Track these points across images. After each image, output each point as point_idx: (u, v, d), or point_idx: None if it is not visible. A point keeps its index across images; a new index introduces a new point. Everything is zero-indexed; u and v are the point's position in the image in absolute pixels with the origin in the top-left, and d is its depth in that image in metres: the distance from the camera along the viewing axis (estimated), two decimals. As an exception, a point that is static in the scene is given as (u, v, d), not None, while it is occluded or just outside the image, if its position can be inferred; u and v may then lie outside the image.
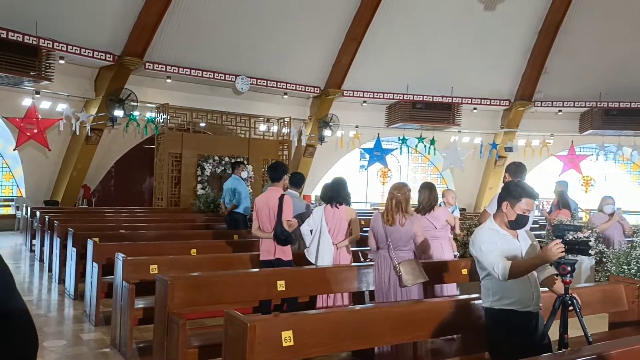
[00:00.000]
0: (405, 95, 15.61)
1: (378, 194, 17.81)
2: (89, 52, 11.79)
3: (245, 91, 13.96)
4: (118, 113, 12.32)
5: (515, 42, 15.11)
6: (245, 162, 13.14)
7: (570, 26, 14.68)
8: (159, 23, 12.16)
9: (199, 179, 12.61)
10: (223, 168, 12.72)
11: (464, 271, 5.40)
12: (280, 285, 4.58)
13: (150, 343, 4.48)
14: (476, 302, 3.84)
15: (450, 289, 5.58)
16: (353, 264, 5.25)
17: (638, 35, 14.45)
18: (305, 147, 15.47)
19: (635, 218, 14.63)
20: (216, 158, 12.83)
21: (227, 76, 13.68)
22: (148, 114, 13.28)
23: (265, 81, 14.19)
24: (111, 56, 12.12)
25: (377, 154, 16.50)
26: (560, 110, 15.95)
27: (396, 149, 16.93)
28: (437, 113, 15.82)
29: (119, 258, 4.84)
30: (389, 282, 4.45)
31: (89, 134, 12.39)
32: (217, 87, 14.02)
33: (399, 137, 16.65)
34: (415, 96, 15.63)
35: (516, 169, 4.79)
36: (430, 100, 15.70)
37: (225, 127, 14.03)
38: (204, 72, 13.39)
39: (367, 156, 16.66)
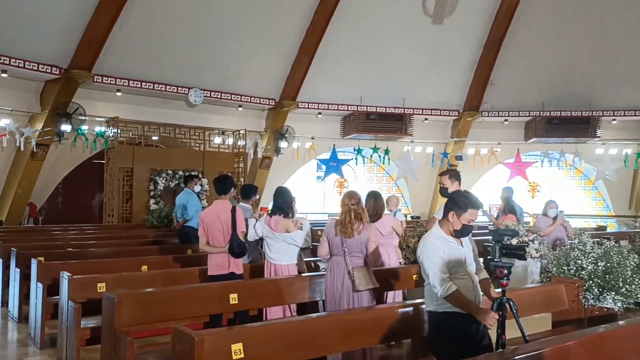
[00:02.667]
0: (359, 107, 15.85)
1: (335, 204, 17.92)
2: (33, 65, 11.43)
3: (198, 104, 13.84)
4: (65, 128, 11.97)
5: (462, 55, 15.63)
6: (200, 176, 13.01)
7: (513, 40, 15.32)
8: (108, 35, 11.92)
9: (152, 193, 12.36)
10: (177, 182, 12.53)
11: (415, 277, 5.52)
12: (233, 298, 4.56)
13: (98, 363, 4.36)
14: (423, 306, 3.94)
15: (397, 296, 5.69)
16: (305, 274, 5.27)
17: (576, 48, 15.22)
18: (262, 159, 15.44)
19: (578, 221, 15.31)
20: (170, 172, 12.63)
21: (179, 89, 13.53)
22: (97, 128, 12.95)
23: (219, 93, 14.11)
24: (57, 69, 11.78)
25: (333, 164, 16.64)
26: (506, 120, 16.57)
27: (352, 159, 17.12)
28: (390, 124, 16.14)
29: (64, 277, 4.70)
30: (342, 288, 4.50)
31: (35, 150, 11.96)
32: (170, 99, 13.84)
33: (354, 148, 16.87)
34: (368, 107, 15.90)
35: (456, 174, 4.96)
36: (384, 111, 16.01)
37: (179, 140, 13.84)
38: (156, 85, 13.20)
39: (324, 167, 16.77)
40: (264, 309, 5.08)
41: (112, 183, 12.37)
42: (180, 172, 12.44)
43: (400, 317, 3.97)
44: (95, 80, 12.36)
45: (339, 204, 4.70)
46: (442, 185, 5.08)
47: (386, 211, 6.03)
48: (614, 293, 4.95)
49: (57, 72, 11.80)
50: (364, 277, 4.48)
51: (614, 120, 16.21)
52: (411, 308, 4.10)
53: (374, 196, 5.70)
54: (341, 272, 4.53)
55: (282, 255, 5.12)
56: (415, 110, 16.21)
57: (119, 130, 12.54)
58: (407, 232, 6.59)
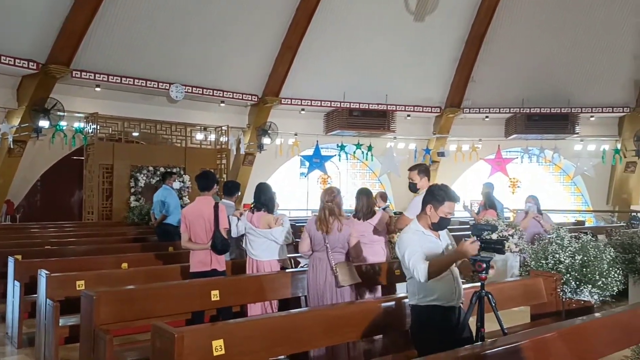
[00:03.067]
0: (342, 103, 15.86)
1: (319, 200, 17.90)
2: (9, 60, 11.19)
3: (180, 99, 13.71)
4: (43, 124, 11.76)
5: (444, 51, 15.74)
6: (182, 172, 12.92)
7: (494, 37, 15.46)
8: (87, 29, 11.72)
9: (133, 190, 12.23)
10: (158, 179, 12.40)
11: (397, 272, 5.56)
12: (215, 295, 4.55)
13: (77, 362, 4.31)
14: (405, 300, 3.97)
15: (380, 290, 5.72)
16: (288, 270, 5.27)
17: (556, 46, 15.43)
18: (244, 155, 15.36)
19: (557, 216, 15.55)
20: (151, 168, 12.50)
21: (160, 84, 13.38)
22: (76, 124, 12.75)
23: (201, 89, 14.00)
24: (35, 64, 11.56)
25: (316, 161, 16.64)
26: (487, 117, 16.74)
27: (335, 155, 17.15)
28: (373, 120, 16.19)
29: (42, 275, 4.63)
30: (325, 284, 4.53)
31: (12, 146, 11.73)
32: (151, 95, 13.68)
33: (337, 144, 16.89)
34: (351, 104, 15.92)
35: (425, 169, 5.01)
36: (367, 107, 16.05)
37: (160, 137, 13.70)
38: (136, 80, 13.04)
39: (307, 163, 16.76)
40: (246, 306, 5.08)
41: (91, 180, 12.20)
42: (162, 169, 12.32)
43: (382, 312, 3.99)
44: (73, 75, 12.16)
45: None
46: (411, 181, 5.12)
47: (375, 207, 6.09)
48: (590, 286, 5.05)
49: (35, 67, 11.58)
50: (347, 273, 4.52)
51: (592, 117, 16.48)
52: (393, 302, 4.13)
53: (365, 194, 5.78)
54: (323, 268, 4.55)
55: (264, 251, 5.13)
56: (397, 106, 16.28)
57: (98, 126, 12.36)
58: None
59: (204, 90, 14.06)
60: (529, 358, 2.95)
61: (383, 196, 7.14)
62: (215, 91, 14.23)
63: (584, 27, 15.09)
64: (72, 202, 14.06)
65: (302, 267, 5.90)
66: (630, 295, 6.61)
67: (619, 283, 5.21)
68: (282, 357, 4.77)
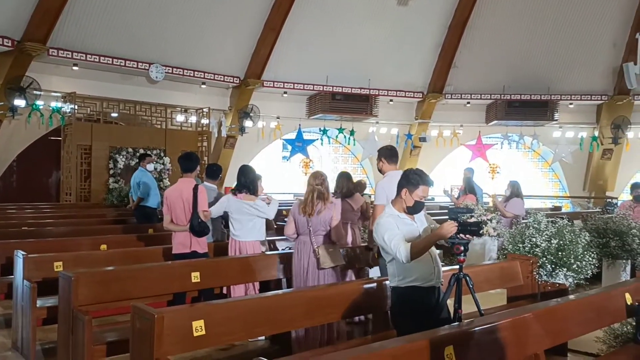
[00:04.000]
0: (325, 87, 15.78)
1: (301, 184, 17.94)
2: (-17, 37, 10.89)
3: (160, 80, 13.48)
4: (19, 103, 11.47)
5: (427, 37, 15.73)
6: (162, 154, 12.78)
7: (477, 23, 15.49)
8: (64, 6, 11.39)
9: (112, 172, 12.06)
10: (138, 160, 12.26)
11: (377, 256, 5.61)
12: (195, 276, 4.54)
13: (55, 344, 4.27)
14: (385, 282, 4.03)
15: (350, 274, 5.78)
16: (269, 252, 5.29)
17: (537, 33, 15.52)
18: (226, 138, 15.23)
19: (535, 202, 15.82)
20: (130, 150, 12.33)
21: (140, 64, 13.13)
22: (53, 104, 12.47)
23: (181, 70, 13.78)
24: (10, 41, 11.23)
25: (298, 144, 16.59)
26: (468, 103, 16.84)
27: (317, 139, 17.11)
28: (356, 104, 16.15)
29: (19, 256, 4.57)
30: (308, 266, 4.58)
31: (-14, 126, 11.47)
32: (130, 75, 13.43)
33: (319, 128, 16.84)
34: (334, 87, 15.85)
35: (390, 153, 5.02)
36: (349, 91, 16.00)
37: (140, 118, 13.50)
38: (115, 60, 12.76)
39: (289, 147, 16.70)
40: (229, 288, 5.10)
41: (69, 161, 12.00)
42: (141, 150, 12.16)
43: (363, 293, 4.04)
44: (50, 53, 11.85)
45: (306, 183, 4.76)
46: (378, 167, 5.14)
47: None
48: (565, 269, 5.17)
49: (10, 44, 11.25)
50: (330, 255, 4.57)
51: (570, 104, 16.69)
52: (374, 284, 4.18)
53: (346, 177, 5.95)
54: (307, 251, 4.61)
55: (247, 231, 5.14)
56: (380, 91, 16.27)
57: (76, 106, 12.13)
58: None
59: (185, 71, 13.85)
60: (504, 338, 3.02)
61: (362, 184, 7.20)
62: (196, 72, 14.03)
63: (564, 15, 15.20)
64: (49, 183, 13.81)
65: (282, 250, 5.93)
66: (603, 278, 6.80)
67: (593, 267, 5.35)
68: (262, 337, 4.84)
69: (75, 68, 12.47)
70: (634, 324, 4.01)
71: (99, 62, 12.57)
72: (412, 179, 3.37)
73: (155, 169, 11.93)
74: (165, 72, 13.43)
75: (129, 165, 12.17)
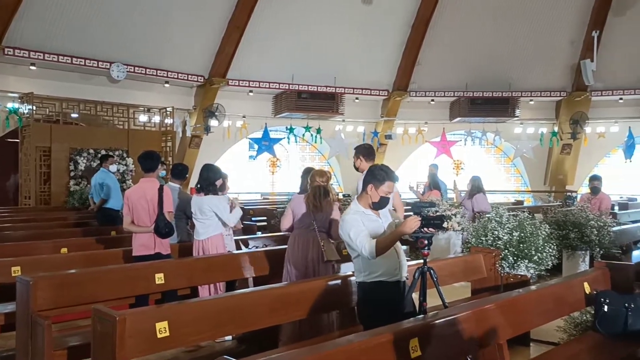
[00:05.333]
0: (290, 85, 15.74)
1: (268, 183, 17.86)
2: None
3: (121, 79, 13.19)
4: (-27, 104, 11.08)
5: (391, 35, 15.87)
6: (125, 155, 12.51)
7: (439, 22, 15.71)
8: (20, 3, 11.04)
9: (72, 174, 11.73)
10: (99, 161, 11.97)
11: (345, 252, 5.63)
12: (159, 278, 4.46)
13: (14, 351, 4.13)
14: (351, 279, 4.05)
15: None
16: (235, 251, 5.24)
17: (498, 32, 15.85)
18: (191, 138, 15.03)
19: (498, 197, 16.19)
20: (91, 151, 12.02)
21: (100, 63, 12.81)
22: (10, 105, 12.06)
23: (143, 69, 13.51)
24: (-39, 40, 10.83)
25: (265, 143, 16.50)
26: (432, 100, 17.07)
27: (284, 138, 17.06)
28: (322, 103, 16.17)
29: (-27, 261, 4.39)
30: (307, 260, 4.68)
31: (-62, 128, 11.00)
32: (90, 75, 13.09)
33: (286, 127, 16.78)
34: (300, 86, 15.82)
35: (368, 151, 5.10)
36: (315, 90, 16.00)
37: (101, 118, 13.18)
38: (74, 59, 12.41)
39: (256, 146, 16.59)
40: (194, 289, 5.04)
41: (27, 163, 11.62)
42: (103, 152, 11.88)
43: (329, 290, 4.05)
44: (5, 52, 11.44)
45: (309, 181, 4.86)
46: (354, 164, 5.22)
47: None
48: (527, 261, 5.32)
49: (-39, 43, 10.85)
50: (331, 249, 4.73)
51: (531, 101, 17.13)
52: (339, 280, 4.19)
53: (307, 172, 5.85)
54: (306, 245, 4.71)
55: (208, 228, 5.09)
56: (346, 89, 16.33)
57: (34, 107, 11.75)
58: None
59: (147, 70, 13.58)
60: (468, 329, 3.07)
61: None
62: (159, 71, 13.78)
63: (524, 14, 15.57)
64: (7, 186, 13.34)
65: (250, 248, 5.89)
66: (563, 269, 7.01)
67: (553, 258, 5.51)
68: (229, 337, 4.79)
69: (32, 68, 12.08)
70: (593, 312, 4.14)
71: (57, 62, 12.21)
72: (378, 175, 3.40)
73: (118, 170, 11.67)
74: (127, 72, 13.14)
75: (90, 166, 11.85)
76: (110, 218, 7.87)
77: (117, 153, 12.06)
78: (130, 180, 12.16)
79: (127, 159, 12.44)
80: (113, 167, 8.57)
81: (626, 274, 4.50)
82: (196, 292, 5.10)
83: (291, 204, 4.86)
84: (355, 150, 5.17)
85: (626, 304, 3.82)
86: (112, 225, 7.53)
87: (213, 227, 5.11)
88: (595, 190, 8.46)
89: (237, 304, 3.53)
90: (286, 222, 4.87)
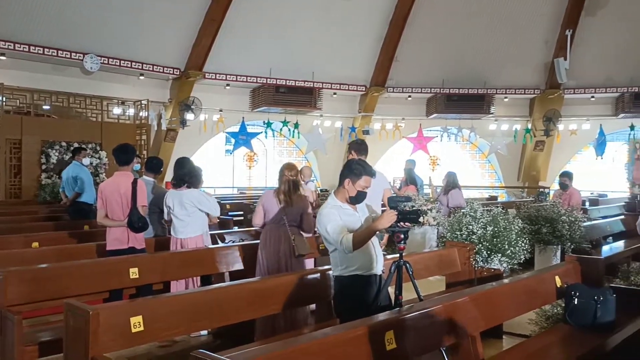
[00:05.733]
0: (268, 79, 15.65)
1: (245, 178, 17.77)
2: None
3: (95, 71, 12.93)
4: (-61, 94, 10.73)
5: (369, 30, 15.91)
6: (99, 148, 12.29)
7: (416, 18, 15.80)
8: (-12, -8, 10.76)
9: (44, 167, 11.48)
10: (72, 154, 11.74)
11: (322, 246, 5.65)
12: (134, 272, 4.40)
13: (-17, 347, 4.03)
14: (328, 272, 4.06)
15: (309, 264, 5.83)
16: (211, 245, 5.20)
17: (474, 30, 16.01)
18: (166, 131, 14.83)
19: (473, 192, 16.42)
20: (63, 144, 11.77)
21: (73, 54, 12.54)
22: (-22, 96, 11.72)
23: (118, 60, 13.27)
24: None
25: (242, 138, 16.38)
26: (409, 96, 17.20)
27: (261, 132, 16.98)
28: (300, 97, 16.13)
29: (-61, 256, 4.26)
30: (279, 255, 4.68)
31: None
32: (63, 66, 12.80)
33: (263, 121, 16.71)
34: (278, 80, 15.75)
35: (360, 147, 5.11)
36: (293, 84, 15.95)
37: (74, 110, 12.91)
38: (46, 49, 12.12)
39: (233, 140, 16.48)
40: (169, 284, 4.98)
41: (-3, 156, 11.33)
42: (76, 144, 11.65)
43: (306, 284, 4.06)
44: (-26, 42, 11.13)
45: (278, 175, 4.87)
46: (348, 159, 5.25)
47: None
48: (500, 255, 5.41)
49: None
50: (303, 243, 4.73)
51: (505, 98, 17.39)
52: (316, 274, 4.20)
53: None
54: (278, 240, 4.70)
55: (189, 227, 5.03)
56: (324, 84, 16.33)
57: (4, 98, 11.45)
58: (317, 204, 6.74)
59: (122, 61, 13.35)
60: (442, 321, 3.12)
61: (307, 171, 7.23)
62: (133, 63, 13.55)
63: (500, 12, 15.77)
64: (-25, 179, 12.99)
65: (227, 242, 5.86)
66: (535, 263, 7.15)
67: (526, 252, 5.62)
68: (205, 332, 4.77)
69: (2, 58, 11.77)
70: (564, 305, 4.24)
71: (29, 52, 11.92)
72: (355, 170, 3.41)
73: (91, 163, 11.47)
74: (101, 63, 12.89)
75: (62, 159, 11.61)
76: (83, 212, 7.73)
77: (90, 146, 11.84)
78: (104, 174, 11.96)
79: (100, 152, 12.23)
80: (86, 160, 8.42)
81: (596, 268, 4.61)
82: (169, 287, 5.04)
83: (261, 200, 4.85)
84: (348, 146, 5.21)
85: (595, 297, 3.92)
86: (84, 220, 7.40)
87: (195, 225, 5.06)
88: (563, 186, 8.67)
89: (213, 298, 3.51)
90: (257, 219, 4.84)
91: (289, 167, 4.87)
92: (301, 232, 4.86)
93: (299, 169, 6.26)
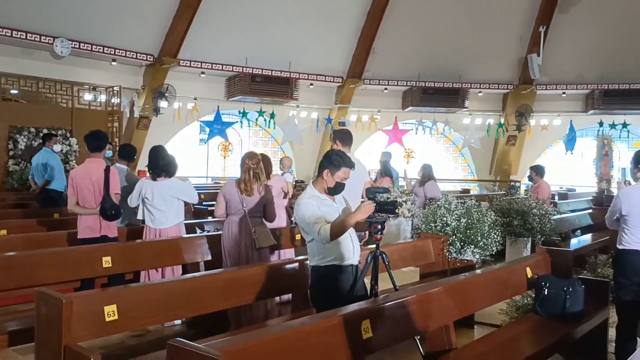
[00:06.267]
0: (244, 68, 15.49)
1: (219, 168, 17.61)
2: None
3: (66, 55, 12.56)
4: None
5: (347, 22, 15.87)
6: (69, 135, 11.99)
7: (394, 11, 15.84)
8: (-48, -30, 10.34)
9: (12, 153, 11.13)
10: (42, 140, 11.43)
11: (298, 237, 5.65)
12: (106, 261, 4.33)
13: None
14: (304, 262, 4.06)
15: (288, 254, 5.82)
16: (185, 235, 5.15)
17: (450, 24, 16.14)
18: (139, 118, 14.54)
19: (446, 185, 16.63)
20: (32, 130, 11.44)
21: (43, 37, 12.15)
22: (-57, 78, 11.31)
23: (89, 45, 12.92)
24: None
25: (217, 127, 16.19)
26: (386, 89, 17.27)
27: (237, 122, 16.82)
28: (276, 87, 16.01)
29: None
30: (242, 246, 4.63)
31: None
32: (32, 49, 12.39)
33: (239, 111, 16.54)
34: (254, 69, 15.60)
35: (346, 137, 5.10)
36: (270, 74, 15.82)
37: (43, 95, 12.55)
38: (14, 32, 11.70)
39: (207, 129, 16.28)
40: (147, 274, 4.91)
41: (-38, 141, 10.96)
42: (45, 130, 11.34)
43: (282, 274, 4.06)
44: (-63, 21, 10.70)
45: (240, 164, 4.79)
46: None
47: (278, 171, 6.15)
48: (473, 246, 5.50)
49: None
50: (265, 235, 4.66)
51: (480, 92, 17.62)
52: (293, 265, 4.21)
53: (263, 158, 5.82)
54: (240, 231, 4.66)
55: (168, 217, 4.95)
56: (301, 74, 16.24)
57: (-31, 82, 11.08)
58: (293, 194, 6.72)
59: (94, 46, 13.01)
60: (417, 311, 3.16)
61: (287, 162, 7.21)
62: (106, 48, 13.22)
63: (475, 7, 15.92)
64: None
65: (203, 232, 5.81)
66: (507, 254, 7.30)
67: (497, 244, 5.73)
68: (179, 322, 4.73)
69: (-33, 39, 11.35)
70: (534, 295, 4.35)
71: (-5, 34, 11.52)
72: (334, 160, 3.42)
73: (61, 150, 11.18)
74: (72, 47, 12.54)
75: (31, 146, 11.30)
76: (53, 200, 7.56)
77: (60, 133, 11.52)
78: (74, 162, 11.68)
79: (70, 139, 11.93)
80: (57, 147, 8.22)
81: (565, 260, 4.74)
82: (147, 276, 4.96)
83: (223, 190, 4.79)
84: (333, 134, 5.16)
85: (565, 288, 4.03)
86: (54, 208, 7.23)
87: (173, 215, 4.98)
88: (530, 179, 8.91)
89: (188, 288, 3.48)
90: (219, 209, 4.80)
91: (250, 155, 4.80)
92: (264, 222, 4.80)
93: (280, 159, 6.24)
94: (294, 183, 6.64)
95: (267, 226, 4.79)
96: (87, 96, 13.23)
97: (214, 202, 9.72)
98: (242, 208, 4.62)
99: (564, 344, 3.89)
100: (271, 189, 4.93)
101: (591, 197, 12.74)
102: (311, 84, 16.69)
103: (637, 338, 3.97)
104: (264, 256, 4.71)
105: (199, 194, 10.09)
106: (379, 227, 3.33)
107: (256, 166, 4.69)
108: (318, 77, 16.62)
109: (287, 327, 2.63)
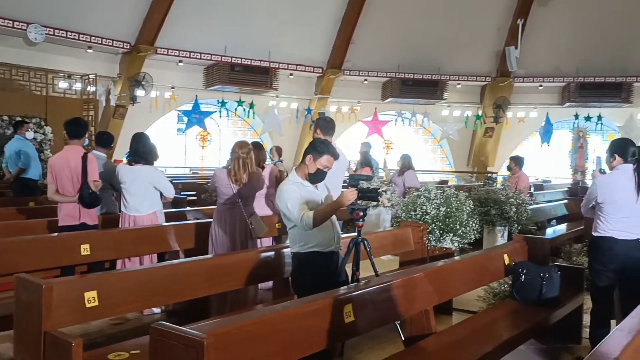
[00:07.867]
0: (223, 57, 15.34)
1: (197, 158, 17.45)
2: None
3: (40, 42, 12.28)
4: None
5: (327, 11, 15.84)
6: (43, 123, 11.72)
7: (375, 1, 15.86)
8: None
9: (-16, 141, 10.86)
10: (13, 128, 11.14)
11: (278, 225, 5.66)
12: (85, 249, 4.28)
13: None
14: (284, 250, 4.08)
15: (265, 243, 5.82)
16: (165, 223, 5.11)
17: (430, 15, 16.23)
18: (115, 107, 14.31)
19: (425, 176, 16.78)
20: (5, 118, 11.15)
21: (16, 23, 11.84)
22: None
23: (64, 32, 12.64)
24: None
25: (195, 116, 16.02)
26: (365, 80, 17.31)
27: (215, 112, 16.67)
28: (256, 77, 15.91)
29: None
30: (235, 235, 4.61)
31: None
32: (5, 35, 12.06)
33: (218, 100, 16.40)
34: (233, 58, 15.47)
35: (327, 125, 5.07)
36: (249, 63, 15.70)
37: (16, 83, 12.23)
38: (-14, 17, 11.43)
39: (185, 119, 16.10)
40: (123, 262, 4.86)
41: None
42: (18, 118, 11.07)
43: (262, 261, 4.06)
44: None
45: (230, 152, 4.77)
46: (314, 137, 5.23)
47: (268, 160, 6.15)
48: (452, 234, 5.58)
49: None
50: (260, 224, 4.68)
51: (458, 84, 17.79)
52: (273, 252, 4.22)
53: (256, 147, 5.82)
54: (232, 220, 4.62)
55: (144, 203, 4.90)
56: (280, 64, 16.16)
57: (-62, 67, 10.73)
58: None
59: (69, 33, 12.73)
60: (398, 295, 3.20)
61: (278, 150, 7.20)
62: (81, 35, 12.95)
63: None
64: None
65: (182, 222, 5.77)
66: (484, 242, 7.43)
67: (475, 232, 5.82)
68: (158, 310, 4.71)
69: (-64, 23, 11.00)
70: (511, 282, 4.44)
71: (-34, 19, 11.18)
72: (319, 147, 3.42)
73: (35, 139, 10.94)
74: (46, 34, 12.25)
75: (4, 134, 11.02)
76: (28, 189, 7.41)
77: (34, 121, 11.26)
78: (49, 150, 11.44)
79: (45, 127, 11.66)
80: (30, 134, 8.03)
81: (542, 248, 4.85)
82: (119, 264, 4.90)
83: (214, 179, 4.76)
84: (315, 123, 5.12)
85: (542, 274, 4.12)
86: (30, 196, 7.09)
87: (150, 203, 4.92)
88: (509, 169, 9.08)
89: (169, 274, 3.47)
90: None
91: (240, 144, 4.77)
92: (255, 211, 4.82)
93: (270, 148, 6.23)
94: (286, 173, 6.65)
95: (257, 215, 4.80)
96: (62, 84, 12.95)
97: (193, 192, 9.76)
98: (235, 198, 4.60)
99: (540, 329, 3.99)
100: (263, 178, 4.91)
101: (566, 188, 13.01)
102: (291, 74, 16.63)
103: (610, 323, 4.09)
104: (257, 244, 4.74)
105: (178, 183, 10.05)
106: (361, 213, 3.36)
107: (246, 155, 4.66)
108: (298, 67, 16.56)
109: (273, 311, 2.64)
